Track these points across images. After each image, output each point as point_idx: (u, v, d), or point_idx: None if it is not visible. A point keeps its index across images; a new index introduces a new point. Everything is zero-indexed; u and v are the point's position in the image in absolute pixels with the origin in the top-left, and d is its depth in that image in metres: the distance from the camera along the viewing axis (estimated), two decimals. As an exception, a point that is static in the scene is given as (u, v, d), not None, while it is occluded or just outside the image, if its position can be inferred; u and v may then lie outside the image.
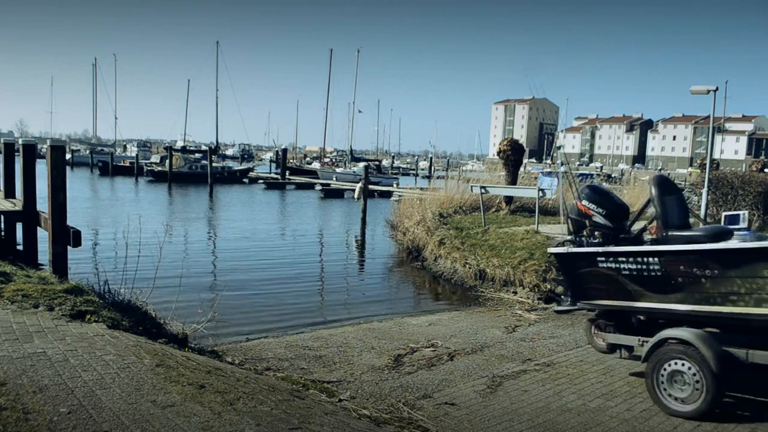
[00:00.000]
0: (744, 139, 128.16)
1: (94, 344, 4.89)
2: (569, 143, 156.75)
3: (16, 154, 13.46)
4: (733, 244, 5.32)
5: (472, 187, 17.99)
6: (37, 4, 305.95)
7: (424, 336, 8.49)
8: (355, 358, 7.31)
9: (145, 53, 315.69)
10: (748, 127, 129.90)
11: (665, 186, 6.25)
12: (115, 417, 3.40)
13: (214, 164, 49.87)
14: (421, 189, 34.32)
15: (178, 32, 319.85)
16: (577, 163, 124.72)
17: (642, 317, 6.27)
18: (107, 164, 58.40)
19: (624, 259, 5.91)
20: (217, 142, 74.37)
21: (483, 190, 16.75)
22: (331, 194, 43.18)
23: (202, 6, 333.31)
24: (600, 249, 6.18)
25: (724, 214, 6.38)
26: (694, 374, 5.10)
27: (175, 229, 23.43)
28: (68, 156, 59.17)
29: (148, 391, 3.88)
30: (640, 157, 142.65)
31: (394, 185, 44.57)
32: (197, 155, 58.15)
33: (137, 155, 62.89)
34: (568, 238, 6.82)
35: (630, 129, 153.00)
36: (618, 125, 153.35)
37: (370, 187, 29.19)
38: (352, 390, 5.97)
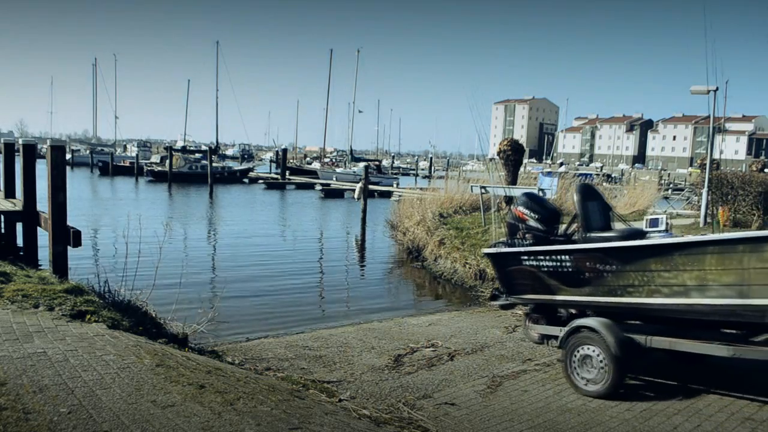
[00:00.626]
0: (744, 139, 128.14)
1: (94, 344, 4.89)
2: (569, 143, 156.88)
3: (16, 154, 13.47)
4: (625, 242, 5.98)
5: (472, 187, 18.00)
6: (37, 4, 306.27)
7: (424, 336, 8.49)
8: (355, 358, 7.32)
9: (145, 53, 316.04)
10: (748, 127, 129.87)
11: (587, 193, 6.93)
12: (115, 417, 3.40)
13: (214, 164, 49.86)
14: (421, 189, 34.34)
15: (178, 32, 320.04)
16: (577, 163, 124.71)
17: (564, 309, 6.91)
18: (107, 164, 58.40)
19: (543, 257, 6.58)
20: (217, 142, 74.35)
21: (483, 190, 16.76)
22: (331, 194, 43.18)
23: (202, 6, 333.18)
24: (522, 249, 6.84)
25: (646, 217, 7.03)
26: (600, 358, 5.75)
27: (175, 230, 23.43)
28: (68, 156, 59.19)
29: (148, 391, 3.88)
30: (640, 157, 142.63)
31: (394, 185, 44.59)
32: (197, 155, 58.14)
33: (137, 155, 62.91)
34: (502, 239, 7.52)
35: (630, 129, 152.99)
36: (618, 125, 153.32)
37: (370, 187, 29.20)
38: (352, 390, 5.97)
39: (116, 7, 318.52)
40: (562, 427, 4.92)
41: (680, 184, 59.02)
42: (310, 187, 49.00)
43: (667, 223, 6.83)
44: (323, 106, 70.35)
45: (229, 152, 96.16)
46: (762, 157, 76.12)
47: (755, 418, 4.98)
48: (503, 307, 7.69)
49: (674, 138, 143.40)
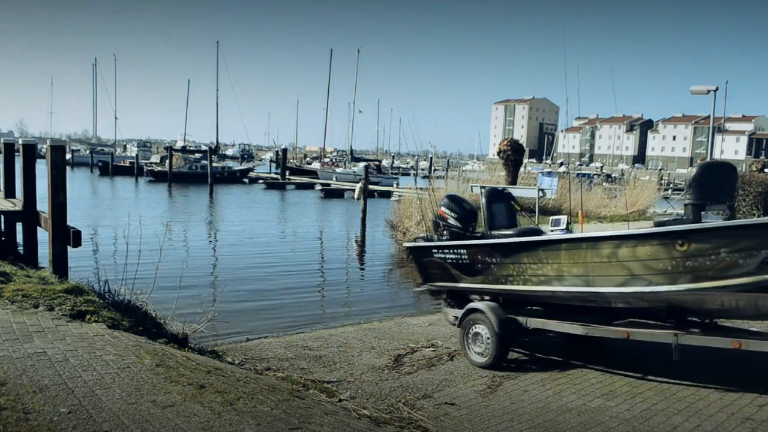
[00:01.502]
0: (744, 139, 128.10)
1: (94, 344, 4.89)
2: (569, 143, 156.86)
3: (16, 154, 13.47)
4: (502, 239, 7.25)
5: (472, 187, 18.00)
6: (37, 4, 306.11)
7: (424, 336, 8.49)
8: (355, 358, 7.32)
9: (145, 53, 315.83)
10: (748, 127, 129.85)
11: (493, 196, 8.04)
12: (115, 417, 3.40)
13: (214, 164, 49.86)
14: (421, 189, 34.30)
15: (178, 32, 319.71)
16: (578, 163, 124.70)
17: (470, 294, 7.93)
18: (107, 164, 58.39)
19: (448, 251, 7.77)
20: (217, 142, 74.34)
21: (483, 190, 16.72)
22: (331, 194, 43.20)
23: (202, 6, 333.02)
24: (432, 243, 8.08)
25: (551, 218, 7.87)
26: (487, 335, 6.92)
27: (175, 230, 23.42)
28: (68, 156, 59.14)
29: (148, 391, 3.88)
30: (640, 157, 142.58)
31: (394, 185, 44.56)
32: (197, 155, 58.13)
33: (137, 155, 62.87)
34: (421, 235, 8.82)
35: (630, 129, 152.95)
36: (618, 125, 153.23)
37: (370, 187, 29.19)
38: (352, 390, 5.97)
39: (116, 7, 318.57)
40: (562, 427, 4.92)
41: (680, 184, 59.00)
42: (310, 187, 49.01)
43: (567, 223, 7.55)
44: (323, 106, 70.41)
45: (229, 152, 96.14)
46: (762, 157, 76.02)
47: (755, 418, 4.98)
48: (420, 292, 8.94)
49: (674, 138, 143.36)
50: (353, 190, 32.46)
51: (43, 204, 11.03)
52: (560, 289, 6.65)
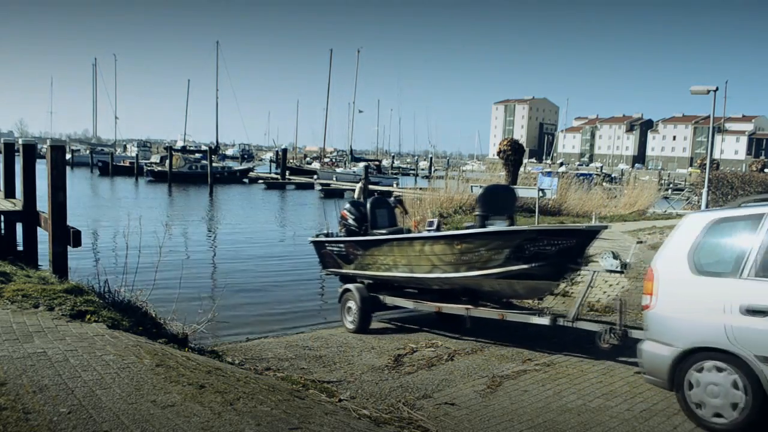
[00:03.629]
0: (744, 139, 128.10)
1: (94, 344, 4.89)
2: (569, 143, 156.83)
3: (16, 154, 13.46)
4: (362, 237, 9.55)
5: (472, 187, 17.99)
6: (37, 4, 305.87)
7: (424, 336, 8.49)
8: (355, 358, 7.31)
9: (145, 53, 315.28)
10: (748, 127, 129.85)
11: (377, 204, 10.23)
12: (115, 417, 3.40)
13: (214, 164, 49.86)
14: (421, 189, 34.33)
15: (178, 32, 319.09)
16: (577, 163, 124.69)
17: (354, 278, 9.94)
18: (107, 164, 58.37)
19: (333, 245, 10.10)
20: (217, 142, 74.34)
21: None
22: (331, 194, 43.17)
23: (202, 6, 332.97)
24: (324, 239, 10.41)
25: (428, 220, 9.96)
26: (354, 309, 9.12)
27: (175, 230, 23.42)
28: (68, 156, 59.13)
29: (148, 391, 3.88)
30: (640, 157, 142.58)
31: (394, 185, 44.56)
32: (197, 155, 58.12)
33: (137, 155, 62.86)
34: (322, 231, 11.35)
35: (630, 129, 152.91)
36: (618, 125, 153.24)
37: (370, 187, 29.20)
38: (352, 390, 5.96)
39: (116, 7, 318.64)
40: (562, 427, 4.92)
41: (680, 184, 59.04)
42: (310, 187, 48.99)
43: (438, 224, 9.32)
44: (323, 106, 70.51)
45: (229, 152, 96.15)
46: (762, 157, 76.08)
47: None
48: (327, 274, 10.95)
49: (674, 138, 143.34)
50: (353, 190, 32.45)
51: (43, 204, 11.02)
52: (397, 275, 9.07)
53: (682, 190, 39.11)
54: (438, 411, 5.38)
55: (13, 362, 4.16)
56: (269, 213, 32.36)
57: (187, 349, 6.19)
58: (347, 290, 9.45)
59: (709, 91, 16.88)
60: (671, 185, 56.54)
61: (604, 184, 38.89)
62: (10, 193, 14.46)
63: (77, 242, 10.29)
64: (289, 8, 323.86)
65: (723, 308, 4.61)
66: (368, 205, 10.10)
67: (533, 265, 7.66)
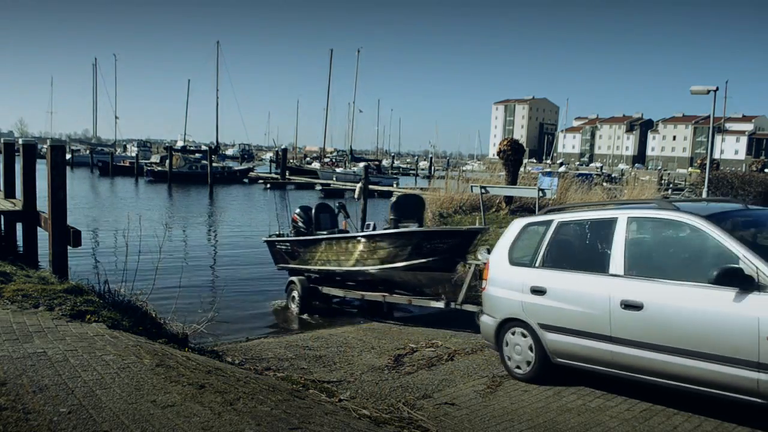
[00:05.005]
0: (744, 139, 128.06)
1: (94, 344, 4.89)
2: (569, 143, 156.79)
3: (16, 154, 13.47)
4: (299, 237, 12.07)
5: (472, 187, 17.99)
6: (37, 4, 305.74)
7: (424, 336, 8.49)
8: (355, 358, 7.31)
9: (145, 53, 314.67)
10: (748, 127, 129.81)
11: (321, 209, 12.59)
12: (115, 417, 3.40)
13: (214, 164, 49.87)
14: (421, 189, 34.32)
15: (178, 32, 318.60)
16: (577, 163, 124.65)
17: (300, 273, 11.93)
18: (107, 164, 58.36)
19: (281, 244, 12.39)
20: (217, 142, 74.34)
21: (483, 190, 16.75)
22: (331, 194, 43.12)
23: (202, 6, 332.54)
24: (274, 239, 12.69)
25: (367, 223, 12.05)
26: (297, 297, 11.37)
27: (175, 230, 23.43)
28: (68, 156, 59.09)
29: (148, 391, 3.88)
30: (640, 157, 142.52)
31: (394, 185, 44.54)
32: (197, 155, 58.11)
33: (137, 155, 62.85)
34: (274, 232, 13.22)
35: (630, 129, 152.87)
36: (618, 125, 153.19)
37: (370, 187, 29.16)
38: (352, 390, 5.96)
39: (116, 7, 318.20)
40: (562, 427, 4.92)
41: (680, 184, 58.99)
42: (310, 187, 48.98)
43: (374, 226, 11.27)
44: (323, 106, 70.42)
45: (229, 152, 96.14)
46: (762, 157, 76.09)
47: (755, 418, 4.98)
48: (280, 269, 12.98)
49: (674, 138, 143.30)
50: (353, 190, 32.43)
51: (43, 204, 11.03)
52: (330, 268, 11.28)
53: (682, 190, 39.12)
54: (438, 411, 5.38)
55: (13, 362, 4.16)
56: (269, 213, 32.31)
57: (187, 349, 6.18)
58: (292, 282, 11.72)
59: (709, 91, 16.88)
60: (671, 185, 56.48)
61: (604, 184, 38.87)
62: (10, 193, 14.47)
63: (77, 242, 10.31)
64: (289, 8, 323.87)
65: (522, 289, 6.04)
66: (314, 210, 12.36)
67: (430, 259, 9.91)
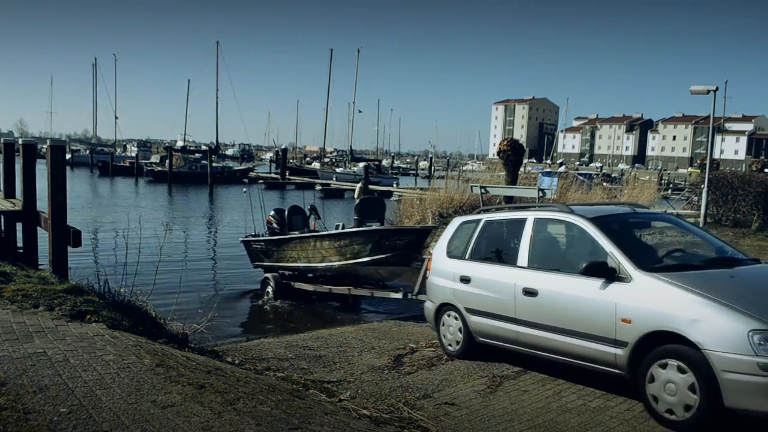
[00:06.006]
0: (744, 139, 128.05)
1: (94, 344, 4.89)
2: (569, 143, 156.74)
3: (16, 154, 13.47)
4: (273, 237, 13.16)
5: (472, 187, 17.99)
6: (37, 4, 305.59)
7: (424, 336, 8.48)
8: (355, 358, 7.31)
9: (145, 53, 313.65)
10: (748, 127, 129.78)
11: (294, 211, 13.67)
12: (115, 417, 3.40)
13: (214, 164, 49.85)
14: (421, 189, 34.31)
15: (178, 32, 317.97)
16: (577, 163, 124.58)
17: (276, 270, 13.13)
18: (107, 164, 58.36)
19: (257, 243, 13.51)
20: (217, 142, 74.35)
21: (483, 190, 16.75)
22: (331, 194, 43.16)
23: (202, 6, 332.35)
24: (250, 239, 13.81)
25: (336, 223, 13.57)
26: (271, 291, 12.60)
27: (175, 229, 23.43)
28: (68, 156, 59.08)
29: (148, 391, 3.88)
30: (640, 157, 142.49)
31: (394, 185, 44.52)
32: (197, 155, 58.15)
33: (137, 155, 62.89)
34: (250, 233, 14.21)
35: (630, 129, 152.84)
36: (618, 125, 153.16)
37: (370, 187, 29.18)
38: (352, 390, 5.96)
39: (116, 7, 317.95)
40: (562, 427, 4.92)
41: (680, 184, 58.97)
42: (310, 187, 48.94)
43: (342, 226, 12.69)
44: (323, 106, 70.41)
45: (229, 152, 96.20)
46: (762, 157, 76.00)
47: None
48: (256, 267, 13.94)
49: (674, 138, 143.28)
50: (353, 190, 32.46)
51: (43, 204, 11.02)
52: (300, 265, 12.47)
53: (682, 190, 39.08)
54: (438, 411, 5.38)
55: (13, 362, 4.16)
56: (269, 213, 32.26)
57: (187, 349, 6.18)
58: (266, 278, 12.91)
59: (709, 91, 16.87)
60: (671, 185, 56.46)
61: (604, 184, 38.86)
62: (10, 193, 14.46)
63: (77, 242, 10.30)
64: (289, 8, 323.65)
65: (454, 278, 6.90)
66: (286, 212, 13.54)
67: (389, 254, 10.95)
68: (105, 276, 7.57)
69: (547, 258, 6.20)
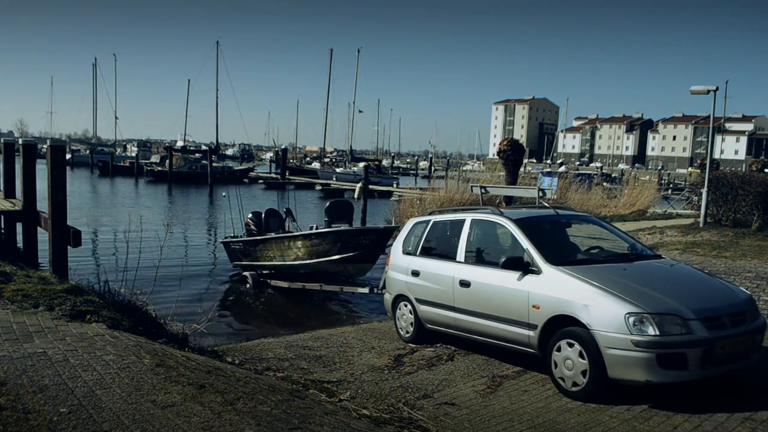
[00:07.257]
0: (744, 139, 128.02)
1: (94, 344, 4.89)
2: (569, 143, 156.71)
3: (16, 154, 13.47)
4: (250, 238, 14.42)
5: (472, 187, 18.00)
6: (37, 4, 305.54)
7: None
8: (355, 358, 7.31)
9: (145, 53, 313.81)
10: (748, 127, 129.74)
11: (270, 213, 14.96)
12: (115, 417, 3.40)
13: (214, 164, 49.84)
14: (421, 189, 34.33)
15: (178, 32, 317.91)
16: (577, 163, 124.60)
17: (253, 269, 14.15)
18: (107, 164, 58.35)
19: (235, 244, 14.74)
20: (217, 142, 74.31)
21: (483, 190, 16.74)
22: (331, 194, 43.11)
23: (202, 6, 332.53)
24: (228, 240, 15.12)
25: (310, 225, 14.56)
26: (250, 286, 13.61)
27: (175, 229, 23.42)
28: (68, 156, 59.08)
29: (148, 391, 3.88)
30: (640, 157, 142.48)
31: (394, 185, 44.51)
32: (197, 155, 58.10)
33: (137, 155, 62.87)
34: (229, 234, 15.43)
35: (630, 129, 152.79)
36: (618, 125, 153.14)
37: (370, 187, 29.17)
38: (352, 390, 5.96)
39: (116, 7, 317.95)
40: (562, 427, 4.92)
41: (680, 184, 58.98)
42: (310, 187, 48.95)
43: (316, 227, 13.59)
44: (323, 106, 70.37)
45: (229, 152, 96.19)
46: (762, 157, 75.96)
47: (755, 418, 4.98)
48: (235, 266, 15.02)
49: (674, 138, 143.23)
50: (353, 190, 32.46)
51: (43, 204, 11.02)
52: (276, 263, 13.55)
53: (682, 190, 39.07)
54: (438, 411, 5.37)
55: (13, 362, 4.16)
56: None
57: (187, 349, 6.18)
58: (245, 276, 14.00)
59: (709, 91, 16.86)
60: (671, 185, 56.48)
61: (604, 184, 38.85)
62: (10, 193, 14.47)
63: (77, 242, 10.30)
64: (289, 8, 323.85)
65: (407, 272, 7.67)
66: (263, 215, 14.82)
67: (356, 253, 11.97)
68: (105, 276, 7.57)
69: (479, 254, 7.02)
